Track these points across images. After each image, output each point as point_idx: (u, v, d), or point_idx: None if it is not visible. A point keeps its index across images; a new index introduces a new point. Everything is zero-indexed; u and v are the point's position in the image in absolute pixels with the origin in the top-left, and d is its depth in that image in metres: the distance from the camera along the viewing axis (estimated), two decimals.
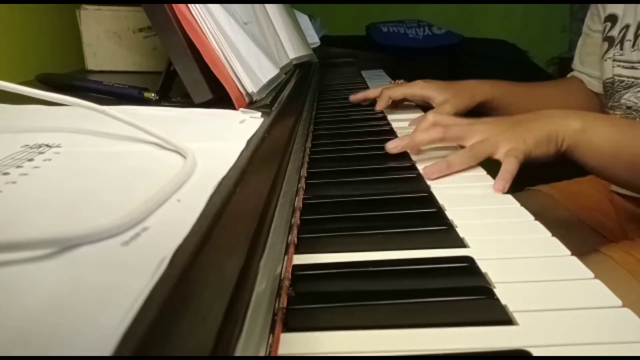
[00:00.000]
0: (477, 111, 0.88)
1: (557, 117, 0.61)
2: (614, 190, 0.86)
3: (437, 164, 0.56)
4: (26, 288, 0.18)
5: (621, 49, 0.82)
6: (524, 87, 0.95)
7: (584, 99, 0.93)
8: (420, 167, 0.60)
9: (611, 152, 0.59)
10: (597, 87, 0.92)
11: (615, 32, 0.84)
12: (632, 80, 0.80)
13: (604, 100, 0.89)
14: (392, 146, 0.62)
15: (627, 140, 0.60)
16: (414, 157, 0.64)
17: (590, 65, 0.93)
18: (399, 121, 0.83)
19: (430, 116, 0.65)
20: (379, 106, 0.90)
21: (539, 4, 2.63)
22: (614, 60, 0.83)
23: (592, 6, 0.92)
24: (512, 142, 0.58)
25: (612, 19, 0.85)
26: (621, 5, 0.83)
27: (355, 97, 0.98)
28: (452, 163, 0.57)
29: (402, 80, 1.02)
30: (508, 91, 0.92)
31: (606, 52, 0.85)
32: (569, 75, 0.99)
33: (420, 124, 0.64)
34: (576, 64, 0.97)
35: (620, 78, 0.82)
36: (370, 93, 0.96)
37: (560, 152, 0.59)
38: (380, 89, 0.92)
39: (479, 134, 0.60)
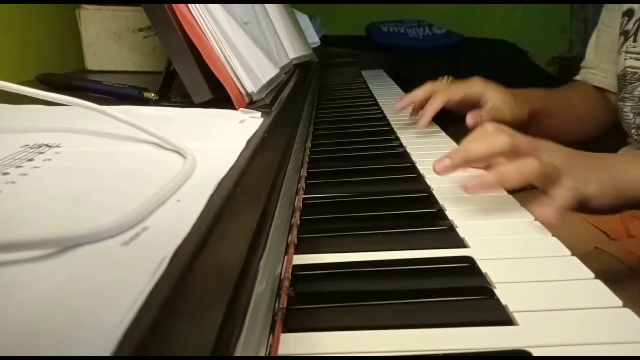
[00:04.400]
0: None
1: (632, 165, 0.52)
2: None
3: (482, 176, 0.44)
4: (26, 288, 0.18)
5: (634, 40, 0.80)
6: (557, 93, 0.88)
7: (596, 102, 0.91)
8: (420, 167, 0.60)
9: None
10: (604, 82, 0.90)
11: (630, 26, 0.82)
12: None
13: (616, 96, 0.86)
14: (439, 169, 0.48)
15: None
16: (414, 158, 0.64)
17: (605, 61, 0.90)
18: (400, 122, 0.83)
19: (490, 125, 0.51)
20: (432, 108, 0.74)
21: (539, 4, 2.63)
22: (627, 52, 0.81)
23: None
24: (575, 180, 0.48)
25: (629, 13, 0.84)
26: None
27: (401, 105, 0.82)
28: (507, 174, 0.45)
29: (448, 77, 0.85)
30: (550, 98, 0.83)
31: (622, 45, 0.84)
32: (575, 78, 0.96)
33: (476, 131, 0.51)
34: (590, 59, 0.93)
35: (633, 70, 0.80)
36: (418, 94, 0.79)
37: (629, 205, 0.53)
38: (429, 87, 0.78)
39: (547, 156, 0.48)
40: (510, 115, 0.71)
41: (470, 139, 0.51)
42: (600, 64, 0.92)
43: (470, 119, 0.68)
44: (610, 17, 0.90)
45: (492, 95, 0.73)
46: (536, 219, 0.41)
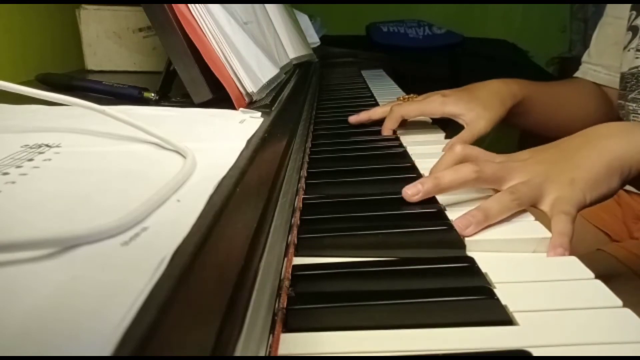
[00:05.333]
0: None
1: (614, 137, 0.49)
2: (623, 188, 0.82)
3: (471, 215, 0.43)
4: (26, 288, 0.18)
5: None
6: (545, 86, 0.84)
7: (597, 98, 0.88)
8: (420, 167, 0.60)
9: None
10: (606, 80, 0.87)
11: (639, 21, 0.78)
12: None
13: (619, 93, 0.81)
14: (412, 193, 0.47)
15: None
16: (414, 158, 0.64)
17: (608, 55, 0.86)
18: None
19: (458, 147, 0.51)
20: (387, 126, 0.74)
21: (539, 4, 2.64)
22: (638, 50, 0.76)
23: None
24: (558, 188, 0.46)
25: (638, 8, 0.79)
26: None
27: (357, 119, 0.81)
28: (491, 212, 0.44)
29: (413, 95, 0.84)
30: (535, 90, 0.79)
31: (630, 42, 0.79)
32: (576, 74, 0.93)
33: (445, 157, 0.52)
34: (593, 53, 0.90)
35: None
36: (376, 112, 0.79)
37: (627, 181, 0.48)
38: (388, 106, 0.77)
39: (520, 174, 0.48)
40: (486, 124, 0.69)
41: (442, 165, 0.51)
42: (602, 60, 0.88)
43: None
44: (618, 8, 0.85)
45: (458, 110, 0.70)
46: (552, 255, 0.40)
